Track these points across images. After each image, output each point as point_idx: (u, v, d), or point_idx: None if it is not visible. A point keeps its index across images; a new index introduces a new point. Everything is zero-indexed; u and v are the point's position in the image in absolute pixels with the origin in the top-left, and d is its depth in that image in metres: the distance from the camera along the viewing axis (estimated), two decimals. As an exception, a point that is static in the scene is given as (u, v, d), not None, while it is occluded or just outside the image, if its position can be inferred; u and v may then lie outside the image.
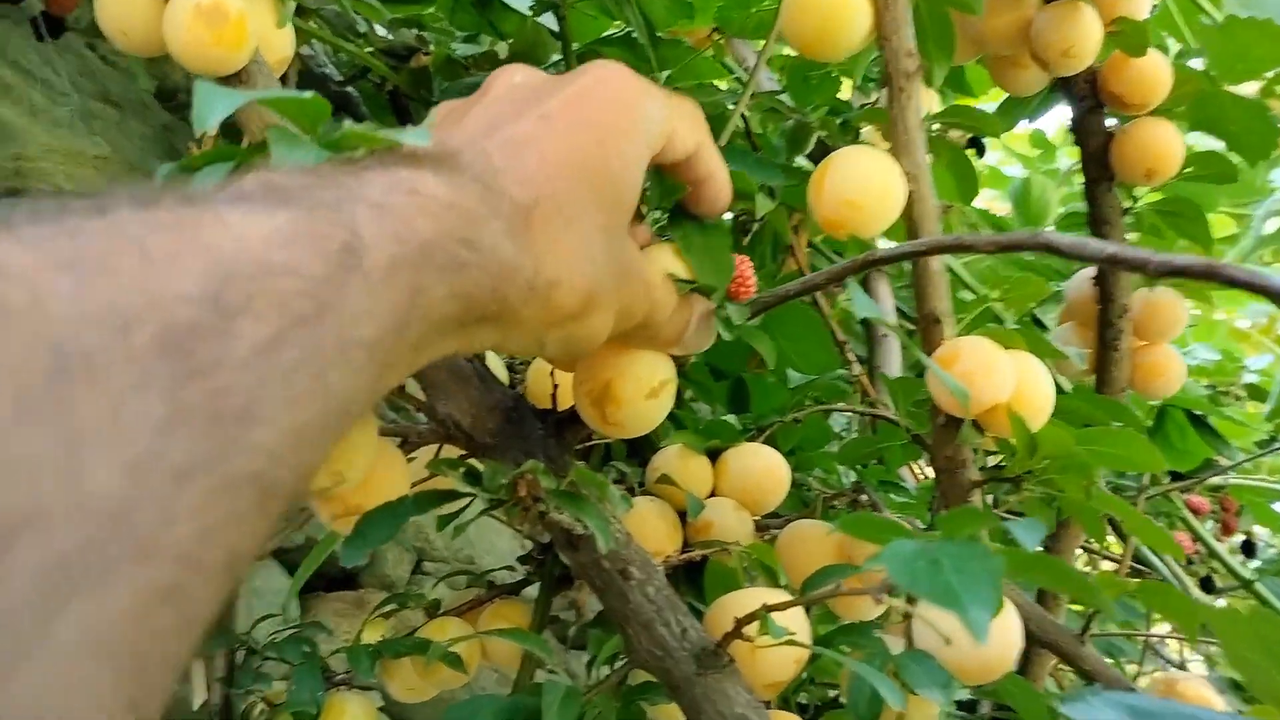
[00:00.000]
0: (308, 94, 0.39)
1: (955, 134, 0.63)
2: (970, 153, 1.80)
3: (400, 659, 0.72)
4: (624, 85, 0.41)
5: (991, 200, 2.09)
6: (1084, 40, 0.71)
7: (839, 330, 0.92)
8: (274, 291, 0.24)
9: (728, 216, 1.15)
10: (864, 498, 0.72)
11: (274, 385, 0.23)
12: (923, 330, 0.62)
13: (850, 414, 1.31)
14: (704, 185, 0.47)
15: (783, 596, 0.48)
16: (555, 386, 0.56)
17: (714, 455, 0.76)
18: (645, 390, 0.49)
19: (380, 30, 1.38)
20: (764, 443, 0.78)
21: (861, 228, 0.57)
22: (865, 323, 1.23)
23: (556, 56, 1.23)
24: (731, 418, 0.86)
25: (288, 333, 0.24)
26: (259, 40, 0.59)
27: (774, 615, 0.48)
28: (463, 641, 0.70)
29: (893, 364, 1.13)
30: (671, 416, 0.88)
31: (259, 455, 0.22)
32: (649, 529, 0.68)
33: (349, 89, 1.31)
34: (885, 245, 0.55)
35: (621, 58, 1.19)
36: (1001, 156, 2.15)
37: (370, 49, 1.26)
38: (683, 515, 0.72)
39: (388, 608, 0.76)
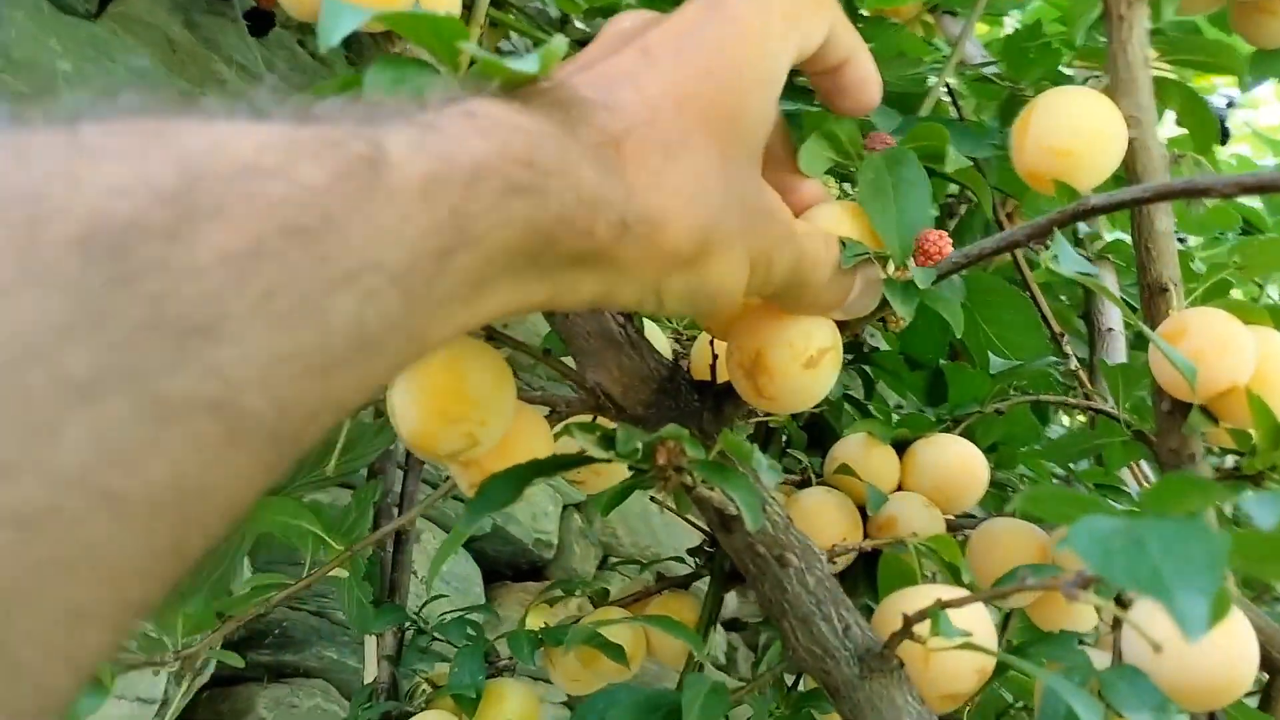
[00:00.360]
0: (441, 11, 0.36)
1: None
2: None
3: (565, 649, 0.69)
4: (738, 7, 0.36)
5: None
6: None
7: (1056, 323, 0.84)
8: (257, 196, 0.21)
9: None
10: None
11: (244, 301, 0.20)
12: (1146, 302, 0.53)
13: (1068, 412, 1.20)
14: (842, 72, 0.42)
15: (962, 594, 0.42)
16: (715, 357, 0.51)
17: (902, 447, 0.69)
18: (801, 359, 0.43)
19: (579, 24, 1.37)
20: (960, 435, 0.71)
21: (1072, 179, 0.49)
22: (1087, 318, 1.13)
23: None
24: (927, 411, 0.78)
25: (270, 243, 0.20)
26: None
27: (951, 615, 0.42)
28: (625, 633, 0.66)
29: (1120, 358, 1.02)
30: (859, 405, 0.82)
31: (215, 378, 0.19)
32: (824, 522, 0.63)
33: (546, 81, 1.30)
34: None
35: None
36: (1252, 147, 1.96)
37: (567, 40, 1.25)
38: (865, 510, 0.66)
39: (553, 593, 0.73)
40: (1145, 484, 0.80)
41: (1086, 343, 1.10)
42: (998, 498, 0.76)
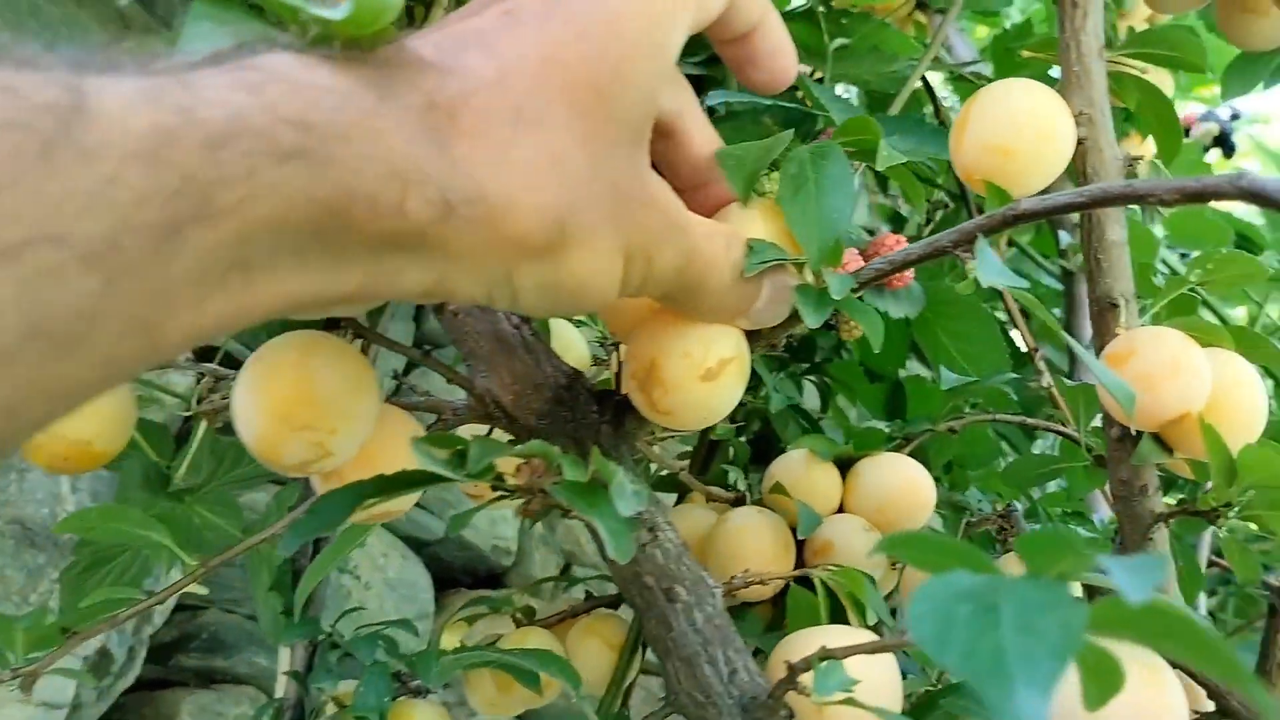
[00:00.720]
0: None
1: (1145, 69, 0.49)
2: (1217, 153, 1.59)
3: (482, 669, 0.65)
4: None
5: (1250, 210, 1.85)
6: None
7: (1030, 338, 0.79)
8: None
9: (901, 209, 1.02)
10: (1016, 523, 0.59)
11: None
12: (1096, 317, 0.49)
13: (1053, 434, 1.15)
14: (751, 41, 0.38)
15: (859, 639, 0.37)
16: (620, 365, 0.47)
17: (847, 465, 0.65)
18: (699, 371, 0.39)
19: None
20: (911, 454, 0.66)
21: (1013, 181, 0.45)
22: (1068, 330, 1.08)
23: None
24: (883, 425, 0.74)
25: None
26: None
27: (854, 663, 0.37)
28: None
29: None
30: (805, 415, 0.77)
31: None
32: (752, 546, 0.58)
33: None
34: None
35: (804, 32, 1.09)
36: (1261, 162, 1.91)
37: None
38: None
39: (470, 610, 0.69)
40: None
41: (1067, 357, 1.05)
42: (956, 523, 0.71)
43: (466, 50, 0.29)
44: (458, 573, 1.24)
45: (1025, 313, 1.08)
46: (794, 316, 0.45)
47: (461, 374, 0.46)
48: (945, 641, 0.20)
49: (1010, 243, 1.01)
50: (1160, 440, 0.48)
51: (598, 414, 0.46)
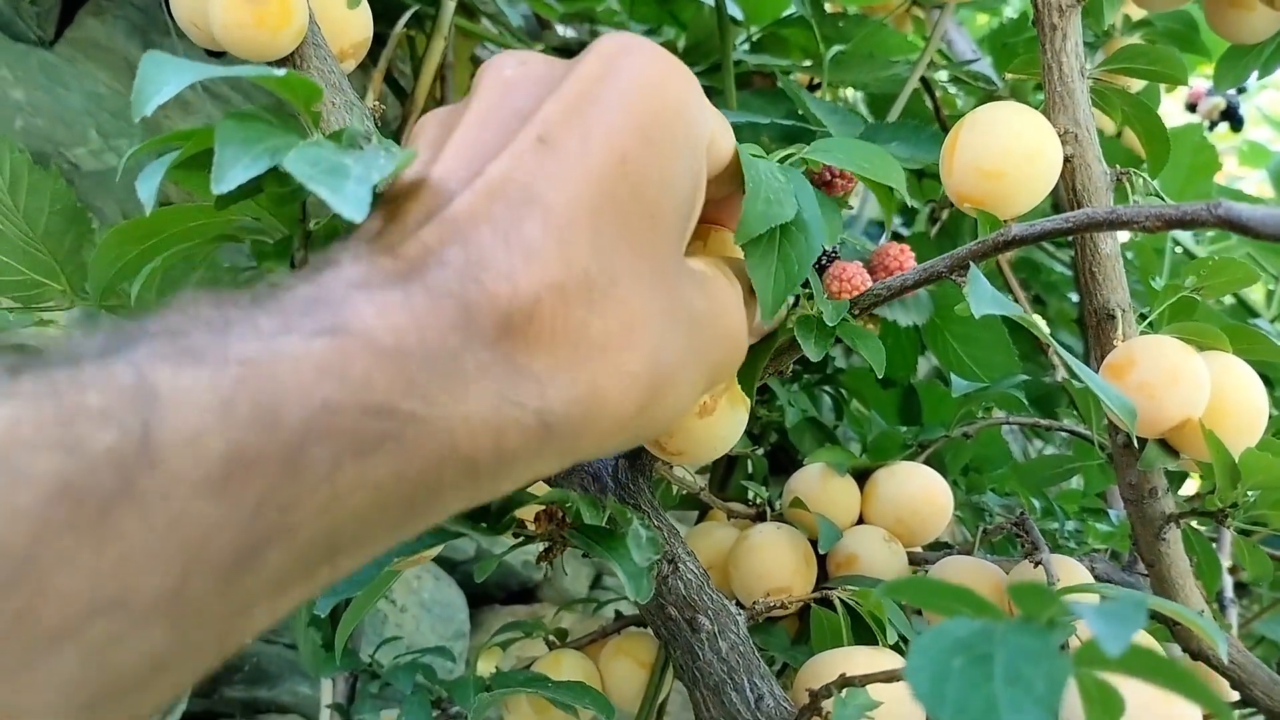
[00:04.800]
0: (282, 71, 0.33)
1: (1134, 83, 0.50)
2: (1223, 127, 1.58)
3: (519, 693, 0.66)
4: (639, 62, 0.30)
5: (1260, 183, 1.84)
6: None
7: (1043, 333, 0.80)
8: None
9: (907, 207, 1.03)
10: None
11: None
12: (1093, 329, 0.50)
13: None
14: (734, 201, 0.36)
15: (882, 664, 0.39)
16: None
17: (864, 476, 0.66)
18: (693, 410, 0.40)
19: (557, 29, 1.34)
20: (927, 461, 0.67)
21: (1004, 202, 0.46)
22: (1080, 323, 1.08)
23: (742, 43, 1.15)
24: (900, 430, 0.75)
25: None
26: (328, 24, 0.54)
27: (877, 686, 0.38)
28: (577, 676, 0.63)
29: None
30: (822, 428, 0.78)
31: None
32: (773, 562, 0.59)
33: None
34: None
35: (804, 40, 1.10)
36: (1270, 135, 1.90)
37: (542, 46, 1.22)
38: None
39: (504, 636, 0.70)
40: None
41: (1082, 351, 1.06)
42: (973, 522, 0.73)
43: (522, 221, 0.26)
44: (491, 589, 1.26)
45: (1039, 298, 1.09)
46: (795, 344, 0.47)
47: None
48: (941, 696, 0.21)
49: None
50: (1165, 444, 0.49)
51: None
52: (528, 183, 0.27)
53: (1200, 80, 1.64)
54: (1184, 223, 0.36)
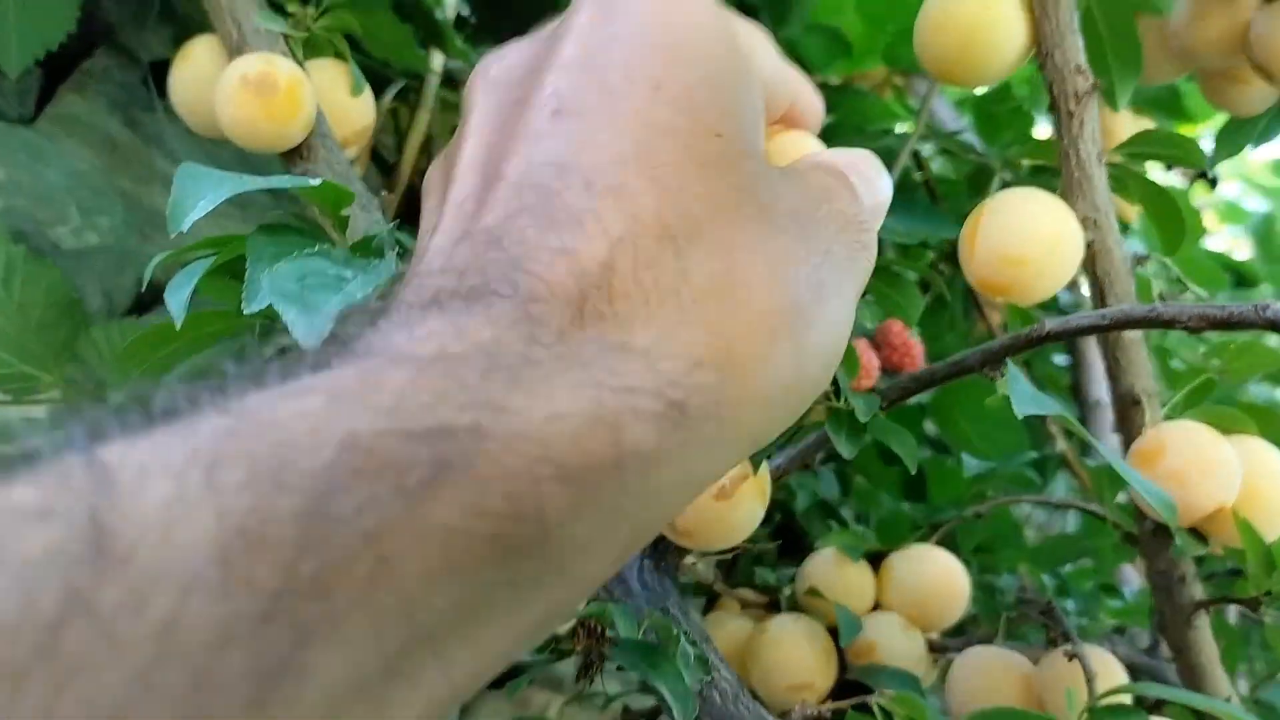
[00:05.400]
0: (316, 181, 0.32)
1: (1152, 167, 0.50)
2: (1198, 186, 1.61)
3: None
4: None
5: (1237, 239, 1.87)
6: (1322, 41, 0.57)
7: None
8: None
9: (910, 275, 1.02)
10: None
11: None
12: (1120, 414, 0.49)
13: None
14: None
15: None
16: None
17: (877, 559, 0.65)
18: (712, 490, 0.39)
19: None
20: (939, 542, 0.66)
21: (1027, 290, 0.45)
22: (1074, 389, 1.08)
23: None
24: (905, 507, 0.74)
25: None
26: (332, 111, 0.53)
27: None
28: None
29: (1108, 439, 0.97)
30: (832, 512, 0.77)
31: None
32: (794, 657, 0.58)
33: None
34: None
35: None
36: (1241, 189, 1.93)
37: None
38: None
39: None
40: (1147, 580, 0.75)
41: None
42: (988, 604, 0.71)
43: (561, 194, 0.22)
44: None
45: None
46: (824, 438, 0.46)
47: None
48: None
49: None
50: (1196, 530, 0.48)
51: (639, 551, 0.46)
52: (555, 159, 0.22)
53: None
54: (1229, 324, 0.35)
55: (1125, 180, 0.48)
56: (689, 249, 0.22)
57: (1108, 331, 0.37)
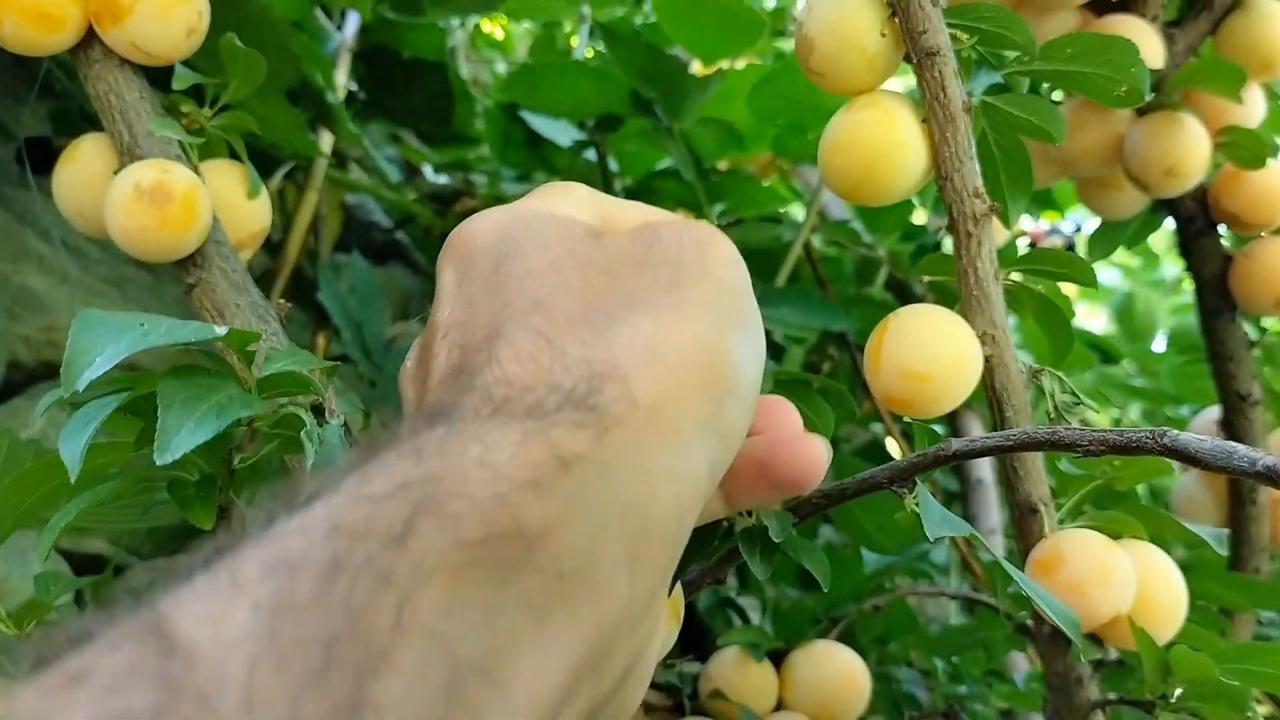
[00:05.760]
0: (223, 330, 0.31)
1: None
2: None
3: None
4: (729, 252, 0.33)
5: (1094, 313, 1.95)
6: (1189, 156, 0.60)
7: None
8: None
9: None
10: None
11: None
12: (1017, 522, 0.51)
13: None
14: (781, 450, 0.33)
15: None
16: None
17: (779, 656, 0.65)
18: None
19: (429, 175, 1.33)
20: (839, 637, 0.67)
21: (930, 404, 0.47)
22: (957, 469, 1.11)
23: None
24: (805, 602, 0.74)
25: None
26: (227, 214, 0.52)
27: None
28: None
29: (990, 516, 1.00)
30: (733, 605, 0.77)
31: None
32: (701, 762, 0.57)
33: (398, 235, 1.26)
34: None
35: (677, 192, 1.12)
36: (1099, 265, 2.02)
37: (415, 195, 1.21)
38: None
39: None
40: (1036, 663, 0.77)
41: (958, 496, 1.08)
42: (886, 697, 0.72)
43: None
44: None
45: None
46: (734, 553, 0.46)
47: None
48: None
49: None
50: (1094, 635, 0.49)
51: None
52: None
53: (1043, 221, 1.75)
54: (1128, 449, 0.36)
55: (1019, 295, 0.49)
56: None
57: (1011, 452, 0.39)
